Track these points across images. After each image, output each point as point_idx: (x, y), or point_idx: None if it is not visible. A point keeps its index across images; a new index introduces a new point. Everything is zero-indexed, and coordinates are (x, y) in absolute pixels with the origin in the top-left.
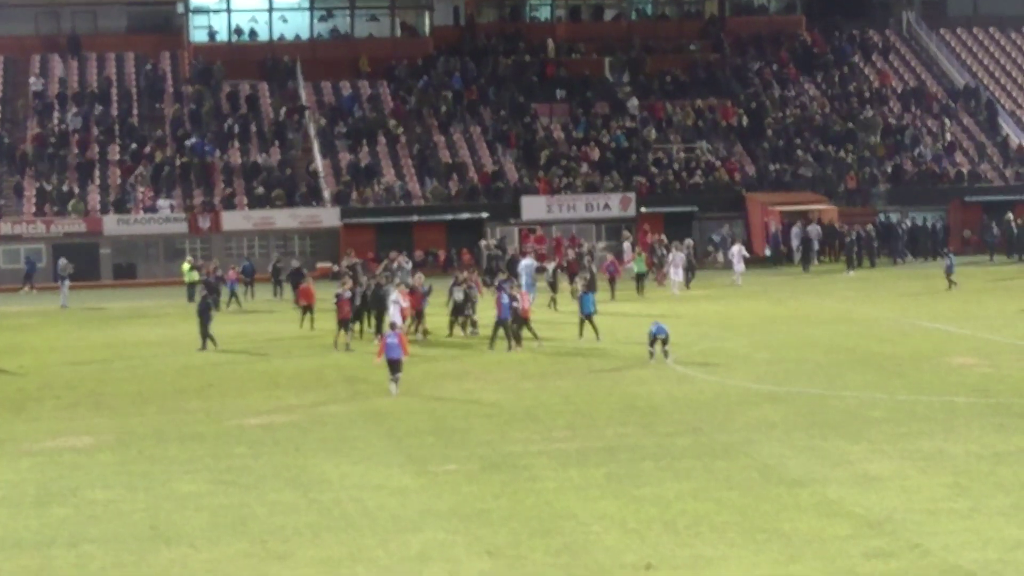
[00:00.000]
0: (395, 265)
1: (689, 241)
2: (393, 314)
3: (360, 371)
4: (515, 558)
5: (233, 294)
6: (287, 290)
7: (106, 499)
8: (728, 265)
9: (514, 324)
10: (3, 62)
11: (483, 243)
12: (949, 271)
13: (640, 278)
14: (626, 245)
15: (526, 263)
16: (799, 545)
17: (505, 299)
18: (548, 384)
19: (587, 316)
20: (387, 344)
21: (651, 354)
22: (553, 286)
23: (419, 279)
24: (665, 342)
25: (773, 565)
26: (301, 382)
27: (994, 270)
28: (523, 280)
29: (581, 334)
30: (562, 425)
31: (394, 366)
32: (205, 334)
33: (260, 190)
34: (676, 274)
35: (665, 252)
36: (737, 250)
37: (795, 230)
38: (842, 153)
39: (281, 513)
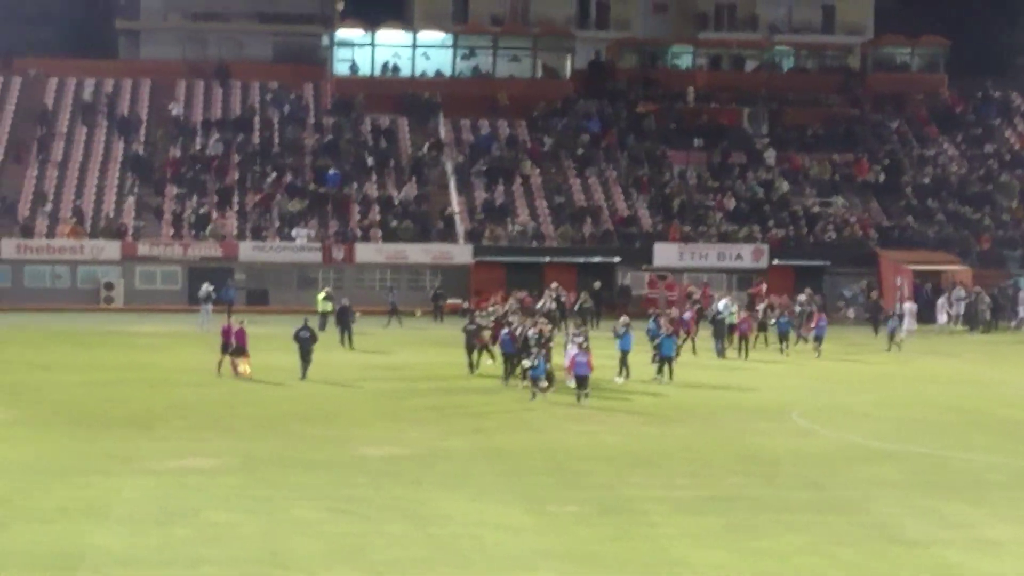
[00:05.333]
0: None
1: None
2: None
3: (484, 407)
4: None
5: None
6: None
7: (227, 522)
8: (860, 320)
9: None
10: (150, 86)
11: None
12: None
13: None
14: (723, 303)
15: (724, 303)
16: None
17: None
18: (670, 431)
19: (666, 358)
20: (576, 361)
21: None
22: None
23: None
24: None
25: None
26: (424, 416)
27: None
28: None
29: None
30: (681, 472)
31: (581, 382)
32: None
33: (394, 224)
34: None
35: (812, 308)
36: (910, 307)
37: (958, 293)
38: (978, 215)
39: (398, 545)
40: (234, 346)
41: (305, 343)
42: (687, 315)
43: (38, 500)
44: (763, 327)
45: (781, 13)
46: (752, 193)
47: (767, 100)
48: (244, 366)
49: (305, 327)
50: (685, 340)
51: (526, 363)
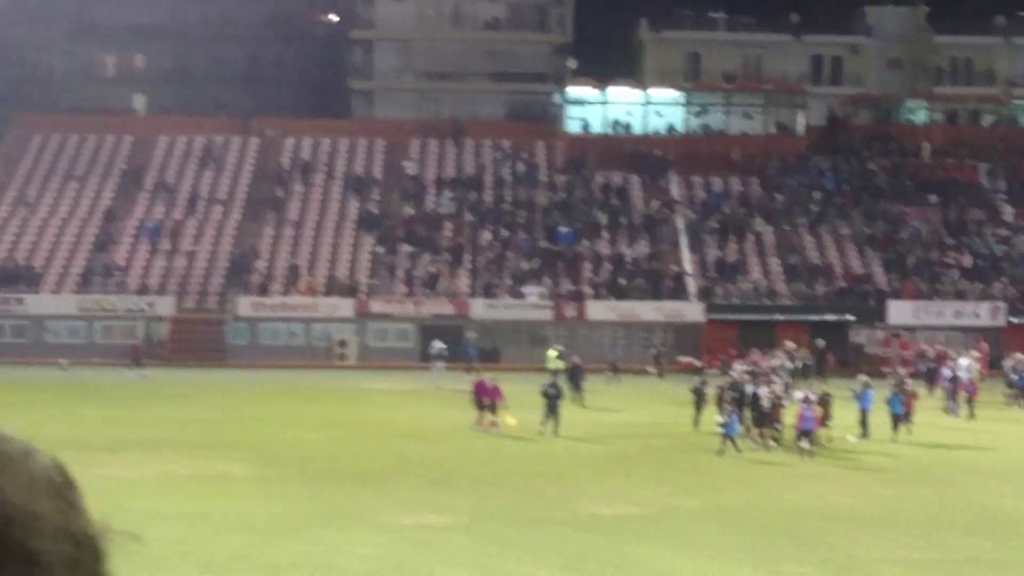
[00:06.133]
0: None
1: None
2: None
3: (715, 466)
4: None
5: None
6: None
7: None
8: None
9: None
10: (383, 145)
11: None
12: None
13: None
14: (965, 362)
15: (966, 362)
16: None
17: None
18: (904, 491)
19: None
20: (803, 416)
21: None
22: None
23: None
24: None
25: None
26: (655, 473)
27: None
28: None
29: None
30: (917, 533)
31: (806, 437)
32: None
33: (625, 282)
34: None
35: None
36: None
37: None
38: None
39: None
40: (489, 402)
41: (552, 400)
42: (948, 372)
43: (273, 555)
44: (1010, 384)
45: (1019, 67)
46: (989, 250)
47: (1005, 155)
48: (509, 419)
49: (553, 384)
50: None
51: (718, 419)
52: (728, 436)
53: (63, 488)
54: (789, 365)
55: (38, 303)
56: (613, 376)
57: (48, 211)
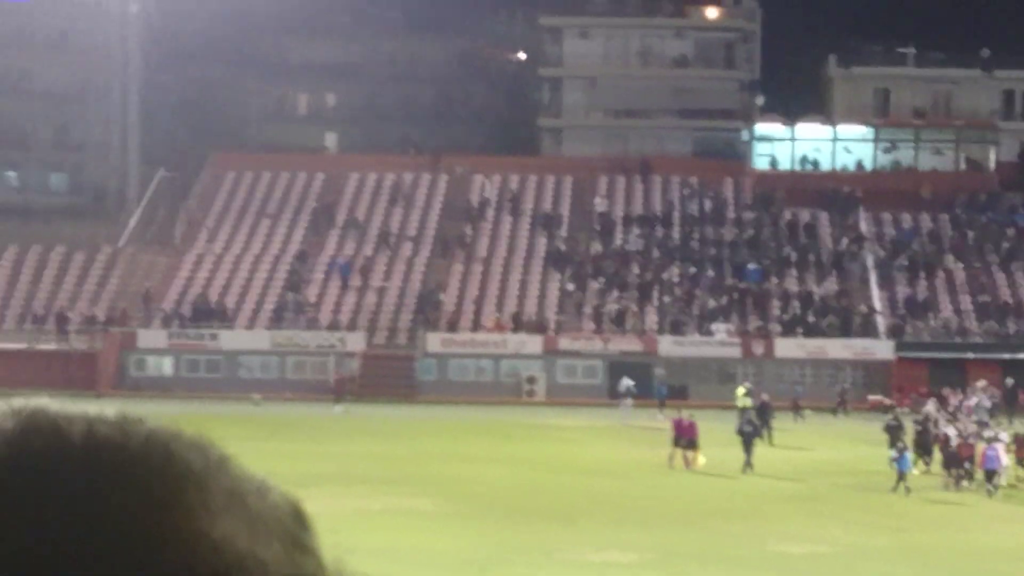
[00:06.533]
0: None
1: None
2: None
3: (904, 505)
4: None
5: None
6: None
7: None
8: None
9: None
10: (571, 182)
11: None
12: None
13: None
14: None
15: None
16: None
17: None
18: None
19: None
20: (986, 456)
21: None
22: None
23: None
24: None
25: None
26: (845, 512)
27: None
28: None
29: None
30: None
31: (989, 475)
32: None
33: (814, 319)
34: None
35: None
36: None
37: None
38: None
39: None
40: (686, 440)
41: (748, 437)
42: None
43: None
44: None
45: None
46: None
47: None
48: (699, 459)
49: (749, 421)
50: None
51: (892, 453)
52: (900, 472)
53: (294, 530)
54: (987, 404)
55: (232, 339)
56: (798, 415)
57: (241, 248)
